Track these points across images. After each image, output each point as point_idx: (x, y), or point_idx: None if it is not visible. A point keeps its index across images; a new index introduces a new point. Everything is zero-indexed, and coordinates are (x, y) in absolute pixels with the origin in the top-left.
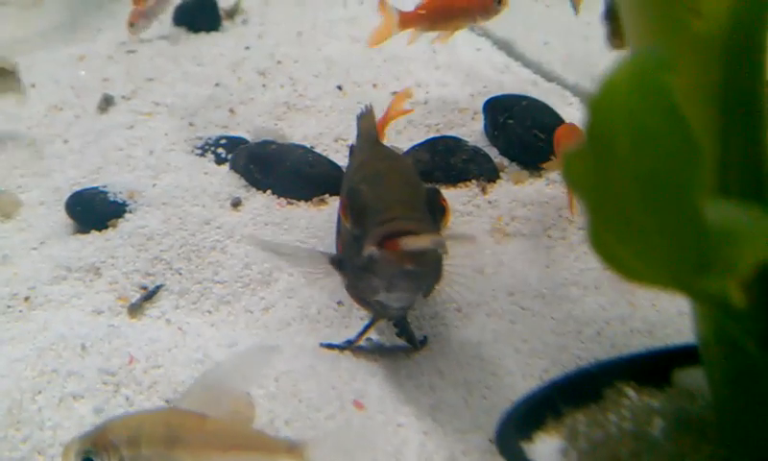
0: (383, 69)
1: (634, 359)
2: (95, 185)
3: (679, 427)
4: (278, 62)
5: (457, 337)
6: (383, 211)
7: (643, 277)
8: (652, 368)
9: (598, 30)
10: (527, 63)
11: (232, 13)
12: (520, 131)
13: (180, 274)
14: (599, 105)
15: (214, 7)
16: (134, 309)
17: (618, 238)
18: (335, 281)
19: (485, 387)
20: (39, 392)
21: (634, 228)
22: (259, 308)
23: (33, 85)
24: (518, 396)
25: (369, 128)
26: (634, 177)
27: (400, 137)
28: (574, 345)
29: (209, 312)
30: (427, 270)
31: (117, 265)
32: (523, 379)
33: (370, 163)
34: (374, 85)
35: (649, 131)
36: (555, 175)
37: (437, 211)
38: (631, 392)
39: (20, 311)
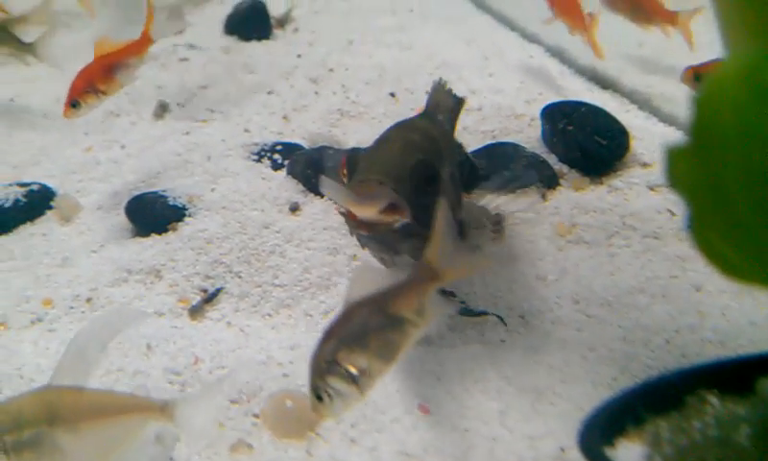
0: (435, 76)
1: (714, 367)
2: (154, 190)
3: (766, 435)
4: (330, 70)
5: (522, 344)
6: (360, 173)
7: (748, 275)
8: (734, 376)
9: (653, 36)
10: (580, 70)
11: (283, 22)
12: (581, 137)
13: (240, 277)
14: (706, 102)
15: (265, 15)
16: (195, 311)
17: (723, 237)
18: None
19: (553, 394)
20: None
21: (739, 226)
22: (319, 312)
23: None
24: (589, 403)
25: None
26: (741, 174)
27: None
28: (643, 353)
29: (269, 315)
30: (394, 232)
31: (177, 268)
32: (593, 387)
33: (388, 130)
34: (427, 92)
35: (758, 127)
36: (617, 182)
37: (425, 181)
38: (713, 399)
39: (82, 312)
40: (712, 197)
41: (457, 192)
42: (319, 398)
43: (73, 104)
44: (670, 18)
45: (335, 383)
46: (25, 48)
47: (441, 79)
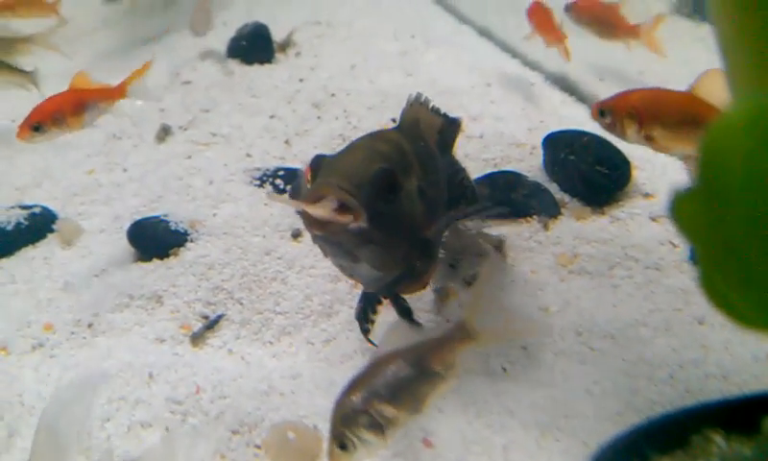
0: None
1: (719, 405)
2: (156, 214)
3: None
4: (332, 95)
5: (525, 376)
6: (320, 177)
7: (755, 322)
8: (739, 415)
9: (653, 64)
10: (582, 98)
11: (285, 46)
12: (583, 167)
13: (242, 304)
14: (713, 146)
15: (268, 39)
16: (196, 338)
17: (730, 283)
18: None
19: (557, 429)
20: (108, 419)
21: (746, 272)
22: (321, 340)
23: None
24: (593, 439)
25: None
26: (749, 219)
27: None
28: (647, 388)
29: (271, 343)
30: (347, 239)
31: (179, 294)
32: (596, 422)
33: (357, 139)
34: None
35: (765, 173)
36: (619, 212)
37: (385, 189)
38: (719, 439)
39: (84, 338)
40: (719, 242)
41: (431, 209)
42: (342, 446)
43: (36, 127)
44: (633, 32)
45: (362, 433)
46: (23, 75)
47: (418, 94)
